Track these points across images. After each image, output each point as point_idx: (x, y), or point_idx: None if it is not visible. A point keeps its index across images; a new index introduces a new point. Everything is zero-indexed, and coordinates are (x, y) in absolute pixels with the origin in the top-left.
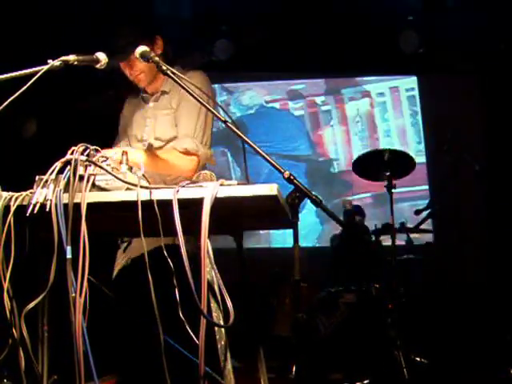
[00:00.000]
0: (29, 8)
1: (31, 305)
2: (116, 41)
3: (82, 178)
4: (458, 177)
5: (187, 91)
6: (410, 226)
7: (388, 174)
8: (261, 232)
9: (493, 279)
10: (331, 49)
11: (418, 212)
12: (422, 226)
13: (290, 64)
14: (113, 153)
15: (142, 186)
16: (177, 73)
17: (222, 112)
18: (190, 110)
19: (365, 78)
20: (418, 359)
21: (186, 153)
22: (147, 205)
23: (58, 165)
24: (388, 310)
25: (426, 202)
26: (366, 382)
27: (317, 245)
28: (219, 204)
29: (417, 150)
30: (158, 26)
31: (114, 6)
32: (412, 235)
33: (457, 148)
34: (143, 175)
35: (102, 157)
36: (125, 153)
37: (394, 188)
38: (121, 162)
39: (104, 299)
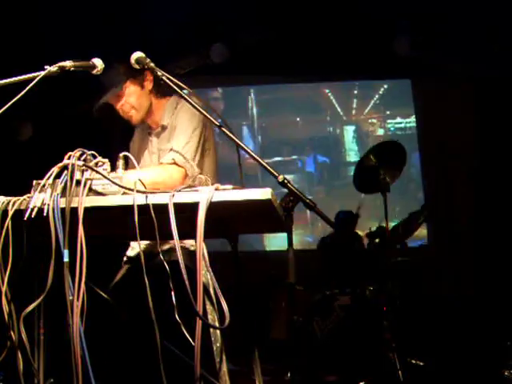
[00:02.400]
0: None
1: (29, 308)
2: (105, 80)
3: (78, 182)
4: (450, 179)
5: (185, 98)
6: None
7: (382, 176)
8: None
9: (488, 282)
10: (325, 52)
11: (412, 215)
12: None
13: (282, 67)
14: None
15: (138, 191)
16: (177, 82)
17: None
18: (184, 129)
19: None
20: (412, 361)
21: (173, 163)
22: (143, 209)
23: (55, 170)
24: (383, 312)
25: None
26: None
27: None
28: (214, 208)
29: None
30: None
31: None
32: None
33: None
34: (139, 180)
35: (99, 162)
36: (121, 157)
37: (388, 191)
38: (117, 167)
39: (102, 303)
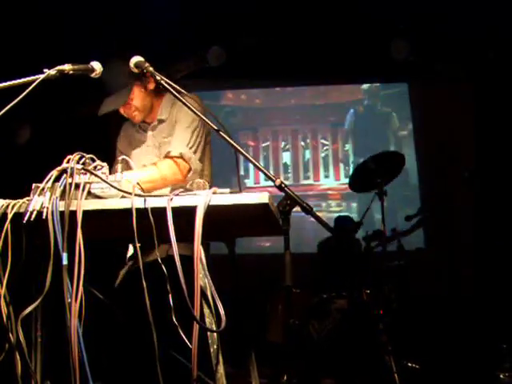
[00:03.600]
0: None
1: (27, 310)
2: (109, 86)
3: (77, 185)
4: (447, 182)
5: (183, 102)
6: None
7: (379, 181)
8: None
9: (484, 283)
10: (323, 55)
11: (408, 218)
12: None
13: (279, 70)
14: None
15: (136, 194)
16: (174, 85)
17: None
18: (186, 125)
19: None
20: (409, 364)
21: (180, 157)
22: (142, 212)
23: (54, 173)
24: (379, 315)
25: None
26: None
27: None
28: (212, 212)
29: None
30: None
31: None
32: (403, 241)
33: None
34: (138, 183)
35: (98, 165)
36: (123, 161)
37: (385, 195)
38: (117, 171)
39: (100, 305)
